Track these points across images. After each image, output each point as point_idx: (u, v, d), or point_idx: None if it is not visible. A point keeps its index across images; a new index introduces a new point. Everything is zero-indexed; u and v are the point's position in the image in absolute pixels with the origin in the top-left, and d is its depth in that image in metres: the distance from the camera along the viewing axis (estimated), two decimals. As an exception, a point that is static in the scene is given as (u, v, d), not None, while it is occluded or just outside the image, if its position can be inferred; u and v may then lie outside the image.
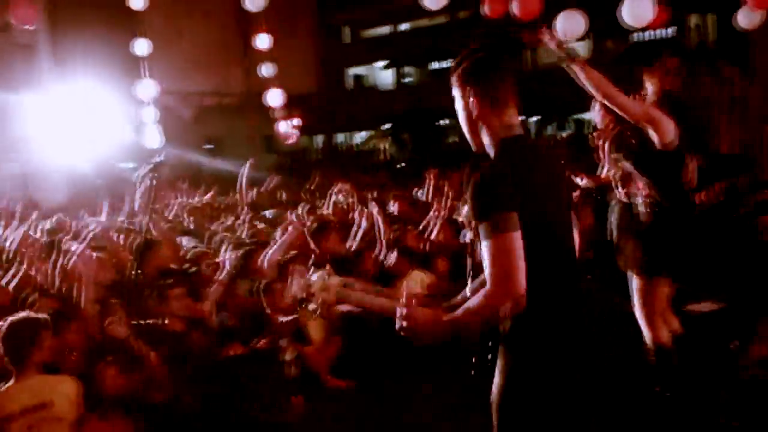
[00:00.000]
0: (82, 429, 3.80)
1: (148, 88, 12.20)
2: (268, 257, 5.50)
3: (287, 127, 15.75)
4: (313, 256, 5.88)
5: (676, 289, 4.42)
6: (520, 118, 2.51)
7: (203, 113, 22.34)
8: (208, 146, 23.04)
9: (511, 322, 2.33)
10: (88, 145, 13.88)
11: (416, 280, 5.85)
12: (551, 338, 2.36)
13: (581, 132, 25.59)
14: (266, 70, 13.09)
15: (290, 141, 16.48)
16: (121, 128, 13.97)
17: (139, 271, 3.89)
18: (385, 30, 30.46)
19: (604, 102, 4.19)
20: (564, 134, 27.59)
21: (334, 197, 8.70)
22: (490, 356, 2.45)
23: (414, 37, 29.14)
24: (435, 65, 31.22)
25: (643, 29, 13.91)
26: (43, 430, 3.59)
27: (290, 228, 5.84)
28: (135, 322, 4.28)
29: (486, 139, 2.48)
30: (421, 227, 6.93)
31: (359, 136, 31.23)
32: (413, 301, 2.39)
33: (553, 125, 29.41)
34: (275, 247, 5.60)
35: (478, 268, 2.35)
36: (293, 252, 5.79)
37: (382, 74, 31.58)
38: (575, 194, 8.18)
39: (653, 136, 4.10)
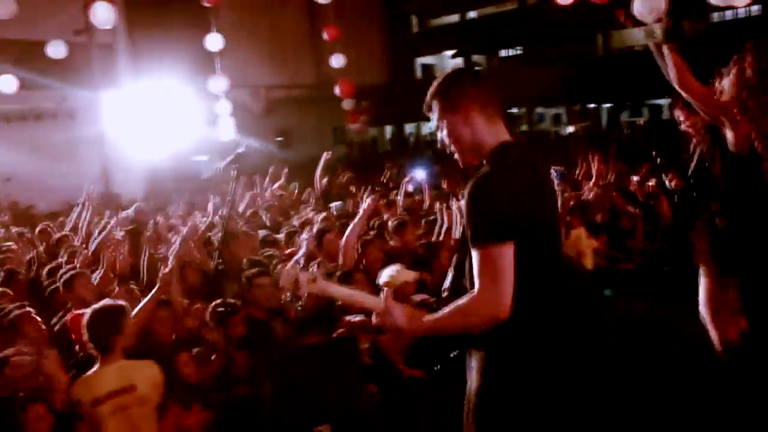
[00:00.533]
0: (163, 414, 3.91)
1: (220, 82, 12.45)
2: (345, 238, 5.52)
3: (356, 119, 15.80)
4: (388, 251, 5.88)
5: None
6: (503, 127, 2.53)
7: (274, 106, 22.66)
8: (279, 138, 23.38)
9: (504, 329, 2.33)
10: (165, 140, 14.27)
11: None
12: (533, 342, 2.38)
13: (657, 118, 24.79)
14: (336, 61, 13.11)
15: (359, 131, 16.54)
16: (196, 122, 14.28)
17: (220, 261, 3.94)
18: (453, 18, 30.16)
19: (680, 92, 3.99)
20: (640, 121, 26.80)
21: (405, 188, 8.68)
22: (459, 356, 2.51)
23: (483, 24, 28.77)
24: (504, 53, 30.80)
25: (725, 8, 13.31)
26: (126, 413, 3.69)
27: (365, 205, 5.83)
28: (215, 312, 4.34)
29: (478, 153, 2.50)
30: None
31: (428, 126, 31.08)
32: (392, 297, 2.46)
33: (627, 112, 28.62)
34: (351, 226, 5.61)
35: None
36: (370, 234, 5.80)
37: (451, 63, 31.30)
38: (651, 184, 7.99)
39: (728, 135, 3.89)
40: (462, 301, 2.33)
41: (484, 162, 2.46)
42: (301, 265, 5.13)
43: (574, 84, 23.18)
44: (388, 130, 30.21)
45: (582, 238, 7.12)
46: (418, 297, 5.45)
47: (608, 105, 28.29)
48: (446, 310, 2.36)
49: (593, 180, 8.07)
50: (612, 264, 7.26)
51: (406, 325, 2.43)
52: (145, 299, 4.28)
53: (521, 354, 2.38)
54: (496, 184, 2.32)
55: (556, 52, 25.87)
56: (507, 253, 2.26)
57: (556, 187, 3.05)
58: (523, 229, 2.29)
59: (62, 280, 5.02)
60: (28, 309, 4.43)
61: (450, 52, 30.47)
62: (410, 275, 5.27)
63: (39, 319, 4.44)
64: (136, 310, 4.17)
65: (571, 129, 27.67)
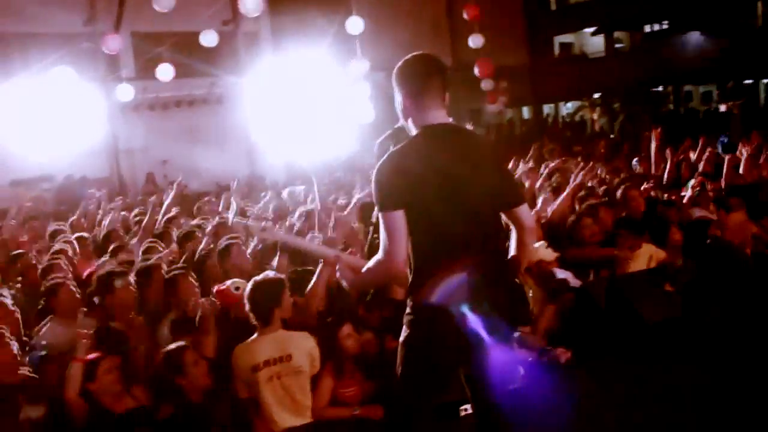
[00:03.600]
0: (320, 382, 4.05)
1: (361, 65, 12.63)
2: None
3: (495, 99, 15.57)
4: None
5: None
6: (443, 113, 2.96)
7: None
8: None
9: (410, 285, 2.89)
10: (306, 123, 14.68)
11: (645, 256, 5.50)
12: (425, 301, 2.81)
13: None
14: (474, 41, 12.95)
15: (498, 113, 16.32)
16: (335, 105, 14.60)
17: (375, 236, 4.07)
18: (594, -6, 28.95)
19: None
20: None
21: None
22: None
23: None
24: (648, 28, 29.21)
25: None
26: (283, 381, 3.86)
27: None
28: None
29: (411, 127, 2.97)
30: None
31: (567, 107, 30.14)
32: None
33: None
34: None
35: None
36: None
37: (592, 41, 30.10)
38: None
39: None
40: (373, 259, 2.92)
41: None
42: None
43: (727, 58, 21.67)
44: (525, 111, 29.55)
45: (742, 223, 6.66)
46: (561, 273, 5.33)
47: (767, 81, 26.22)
48: (366, 266, 2.99)
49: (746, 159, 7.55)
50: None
51: (346, 277, 3.18)
52: (315, 276, 4.42)
53: (418, 309, 2.87)
54: (391, 162, 2.82)
55: (706, 25, 24.18)
56: (397, 219, 2.75)
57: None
58: (410, 200, 2.75)
59: (219, 249, 5.27)
60: (183, 270, 4.84)
61: (590, 29, 29.28)
62: (549, 255, 5.17)
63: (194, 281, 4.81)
64: (310, 286, 4.35)
65: (723, 107, 25.90)
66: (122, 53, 15.88)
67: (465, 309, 2.82)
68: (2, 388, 3.59)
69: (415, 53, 3.03)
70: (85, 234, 7.18)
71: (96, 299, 4.66)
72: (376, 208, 2.87)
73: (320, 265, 4.29)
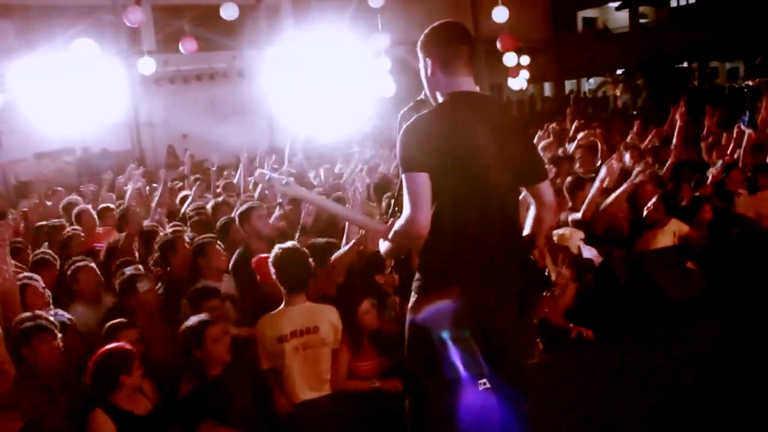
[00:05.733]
0: (338, 355, 4.06)
1: (381, 39, 12.51)
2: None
3: (517, 74, 15.40)
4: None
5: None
6: (471, 80, 2.92)
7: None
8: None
9: (422, 251, 2.83)
10: (327, 96, 14.64)
11: (670, 230, 5.47)
12: (443, 268, 2.80)
13: None
14: (498, 15, 12.73)
15: (520, 87, 16.12)
16: (357, 78, 14.53)
17: (396, 209, 4.01)
18: (619, -33, 28.45)
19: None
20: None
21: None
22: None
23: (652, -28, 26.96)
24: (674, 3, 28.67)
25: None
26: (307, 352, 3.87)
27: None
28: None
29: (438, 97, 2.92)
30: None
31: (589, 83, 29.77)
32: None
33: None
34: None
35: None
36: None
37: (616, 16, 29.61)
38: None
39: None
40: (396, 223, 2.81)
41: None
42: None
43: (754, 34, 21.24)
44: (547, 87, 29.21)
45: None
46: (586, 252, 5.32)
47: None
48: (390, 232, 2.87)
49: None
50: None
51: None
52: (345, 248, 4.42)
53: (435, 275, 2.82)
54: (418, 125, 2.76)
55: (735, 0, 23.69)
56: (421, 181, 2.69)
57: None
58: (436, 164, 2.69)
59: (238, 213, 5.30)
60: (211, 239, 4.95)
61: (614, 4, 28.80)
62: (572, 234, 5.14)
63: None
64: (336, 255, 4.36)
65: (749, 83, 25.45)
66: (143, 26, 15.86)
67: (479, 282, 2.79)
68: (50, 380, 3.57)
69: (443, 21, 2.96)
70: (110, 205, 7.23)
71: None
72: (400, 171, 2.80)
73: (350, 237, 4.28)
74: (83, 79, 12.05)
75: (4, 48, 15.29)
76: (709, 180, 6.65)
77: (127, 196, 7.84)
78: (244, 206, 5.33)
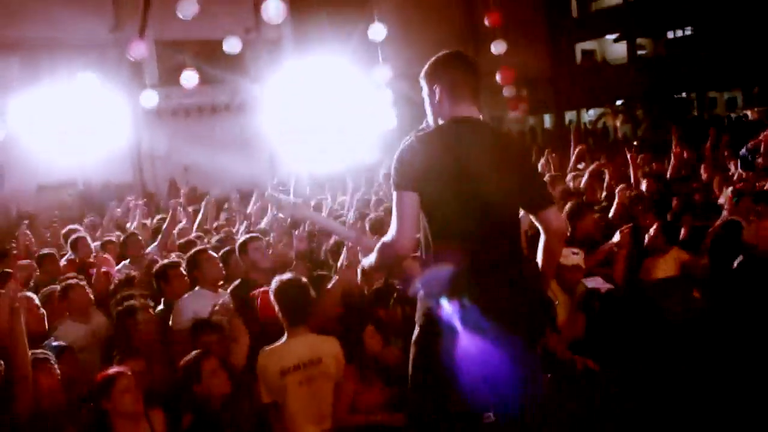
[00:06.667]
0: (341, 389, 3.99)
1: (382, 72, 12.62)
2: None
3: (516, 106, 15.50)
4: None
5: None
6: (474, 109, 2.91)
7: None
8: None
9: (422, 279, 2.82)
10: (328, 129, 14.73)
11: (672, 259, 5.43)
12: (446, 303, 2.71)
13: None
14: (496, 48, 12.87)
15: (519, 120, 16.22)
16: (358, 112, 14.63)
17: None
18: (616, 0, 28.73)
19: None
20: None
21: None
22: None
23: (648, 5, 27.14)
24: (671, 35, 28.95)
25: None
26: (311, 385, 3.80)
27: None
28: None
29: (439, 122, 2.92)
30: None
31: (589, 115, 29.93)
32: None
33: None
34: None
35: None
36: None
37: (614, 48, 29.88)
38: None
39: None
40: (382, 238, 2.85)
41: None
42: None
43: (752, 63, 21.41)
44: (547, 118, 29.38)
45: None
46: (589, 282, 5.26)
47: None
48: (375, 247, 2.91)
49: None
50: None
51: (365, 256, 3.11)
52: (335, 279, 4.39)
53: (435, 306, 2.75)
54: (412, 144, 2.77)
55: (730, 30, 23.91)
56: (407, 200, 2.71)
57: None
58: (429, 185, 2.69)
59: (237, 244, 5.27)
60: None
61: (612, 36, 29.10)
62: (575, 259, 5.10)
63: None
64: (330, 285, 4.33)
65: (748, 113, 25.59)
66: (146, 60, 16.04)
67: (479, 311, 2.71)
68: (47, 414, 3.46)
69: (448, 50, 2.98)
70: (112, 238, 7.23)
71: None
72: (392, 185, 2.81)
73: (340, 273, 4.27)
74: (86, 112, 12.16)
75: (10, 81, 15.44)
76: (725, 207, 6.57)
77: (131, 227, 7.85)
78: (243, 237, 5.32)
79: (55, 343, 4.08)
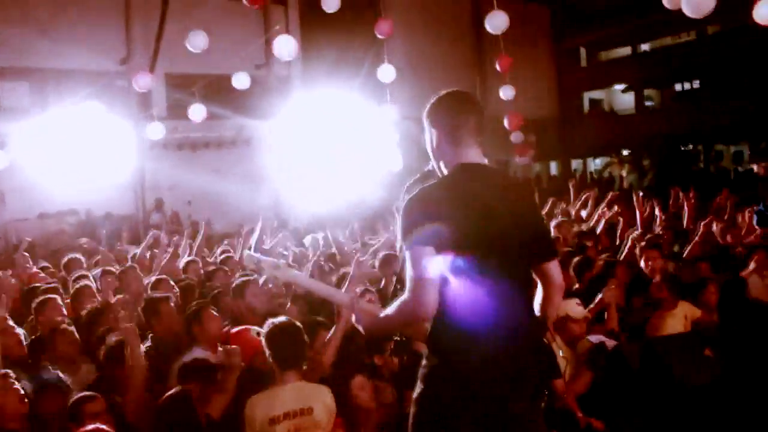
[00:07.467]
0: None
1: (390, 113, 12.59)
2: None
3: (524, 152, 15.46)
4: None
5: None
6: (478, 152, 2.75)
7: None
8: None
9: (430, 335, 2.62)
10: (335, 167, 14.69)
11: (681, 314, 5.26)
12: (451, 357, 2.54)
13: None
14: (505, 93, 12.85)
15: (525, 165, 16.16)
16: (363, 151, 14.59)
17: (399, 287, 3.86)
18: (625, 51, 28.98)
19: None
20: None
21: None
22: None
23: (656, 57, 27.36)
24: (679, 87, 29.11)
25: None
26: (301, 436, 3.62)
27: None
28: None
29: (443, 168, 2.78)
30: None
31: (595, 163, 29.92)
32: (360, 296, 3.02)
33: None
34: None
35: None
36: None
37: (622, 98, 30.03)
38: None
39: None
40: (398, 300, 2.62)
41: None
42: None
43: (760, 118, 21.42)
44: (553, 166, 29.36)
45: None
46: (594, 338, 5.08)
47: None
48: (390, 307, 2.68)
49: None
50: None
51: (362, 322, 2.87)
52: (335, 328, 4.20)
53: (443, 363, 2.56)
54: (423, 195, 2.59)
55: (738, 84, 24.01)
56: (425, 256, 2.47)
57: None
58: (441, 239, 2.47)
59: (233, 286, 5.12)
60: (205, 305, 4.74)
61: (620, 86, 29.26)
62: (578, 312, 4.92)
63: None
64: (329, 336, 4.15)
65: (755, 167, 25.52)
66: (154, 93, 16.10)
67: (490, 370, 2.56)
68: None
69: (450, 90, 2.84)
70: (111, 269, 7.10)
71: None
72: (401, 247, 2.66)
73: (339, 320, 4.07)
74: (91, 141, 12.13)
75: (17, 108, 15.48)
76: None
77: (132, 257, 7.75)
78: (240, 279, 5.16)
79: (47, 376, 3.93)
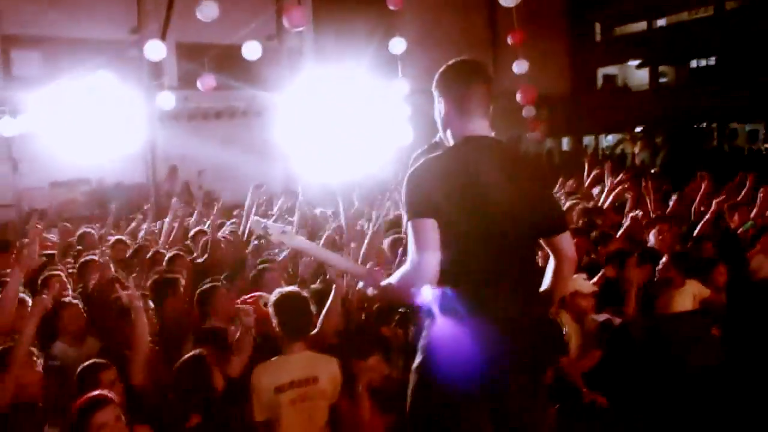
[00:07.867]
0: (338, 410, 3.84)
1: (401, 86, 12.52)
2: None
3: (536, 127, 15.35)
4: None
5: None
6: (486, 123, 2.76)
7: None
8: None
9: (430, 306, 2.58)
10: (344, 138, 14.63)
11: (690, 292, 5.25)
12: (458, 324, 2.53)
13: None
14: (518, 67, 12.70)
15: (537, 141, 16.05)
16: (374, 124, 14.53)
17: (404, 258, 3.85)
18: (640, 26, 28.56)
19: None
20: None
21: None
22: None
23: (672, 33, 26.96)
24: (695, 63, 28.74)
25: None
26: (306, 404, 3.66)
27: None
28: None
29: (449, 139, 2.79)
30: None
31: (607, 140, 29.70)
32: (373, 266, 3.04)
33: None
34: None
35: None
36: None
37: (636, 74, 29.68)
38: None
39: None
40: (402, 268, 2.63)
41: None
42: None
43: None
44: (565, 142, 29.17)
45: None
46: (600, 317, 5.10)
47: None
48: (395, 275, 2.69)
49: None
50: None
51: (377, 289, 2.80)
52: (332, 294, 4.23)
53: (443, 334, 2.56)
54: (425, 168, 2.61)
55: (757, 63, 23.68)
56: (427, 228, 2.50)
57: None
58: (444, 210, 2.51)
59: (252, 274, 5.15)
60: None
61: (635, 62, 28.92)
62: (586, 287, 4.92)
63: None
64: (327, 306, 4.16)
65: (769, 146, 25.32)
66: (166, 63, 16.04)
67: (490, 340, 2.56)
68: (26, 407, 3.44)
69: (459, 58, 2.82)
70: (124, 238, 7.10)
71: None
72: (404, 218, 2.64)
73: (336, 282, 4.09)
74: (102, 111, 12.13)
75: (30, 76, 15.50)
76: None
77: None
78: (258, 268, 5.16)
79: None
